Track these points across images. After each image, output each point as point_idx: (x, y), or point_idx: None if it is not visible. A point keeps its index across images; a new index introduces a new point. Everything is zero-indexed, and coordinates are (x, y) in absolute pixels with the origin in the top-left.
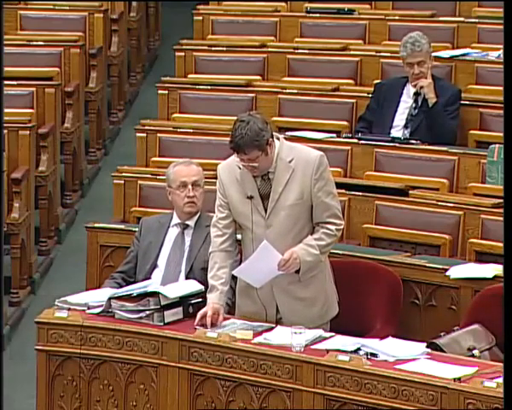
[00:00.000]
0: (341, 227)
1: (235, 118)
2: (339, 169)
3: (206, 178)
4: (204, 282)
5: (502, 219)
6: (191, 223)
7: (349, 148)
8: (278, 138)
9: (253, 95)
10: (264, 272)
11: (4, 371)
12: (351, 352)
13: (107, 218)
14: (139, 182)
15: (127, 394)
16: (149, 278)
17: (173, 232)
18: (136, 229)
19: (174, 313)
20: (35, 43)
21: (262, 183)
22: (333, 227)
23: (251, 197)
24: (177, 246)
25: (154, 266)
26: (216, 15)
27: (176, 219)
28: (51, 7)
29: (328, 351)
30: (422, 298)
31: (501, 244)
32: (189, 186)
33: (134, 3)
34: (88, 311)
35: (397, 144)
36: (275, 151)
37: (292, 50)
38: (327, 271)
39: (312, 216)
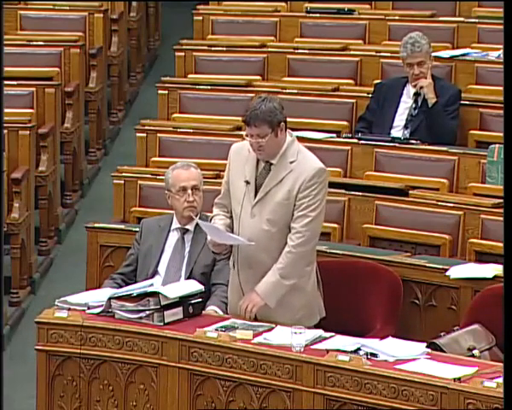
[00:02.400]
0: (302, 249)
1: (235, 118)
2: (339, 169)
3: (205, 178)
4: (204, 286)
5: (502, 219)
6: (191, 227)
7: (349, 148)
8: (291, 136)
9: (252, 95)
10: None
11: (4, 371)
12: (351, 352)
13: (107, 218)
14: (139, 182)
15: (127, 394)
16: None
17: (173, 237)
18: (137, 229)
19: (174, 313)
20: (35, 43)
21: (262, 172)
22: (291, 243)
23: (247, 183)
24: (177, 251)
25: (155, 272)
26: (216, 15)
27: (176, 224)
28: (51, 7)
29: (328, 351)
30: (422, 298)
31: (501, 244)
32: (189, 191)
33: (134, 3)
34: (88, 311)
35: (397, 144)
36: (284, 144)
37: (292, 50)
38: (310, 279)
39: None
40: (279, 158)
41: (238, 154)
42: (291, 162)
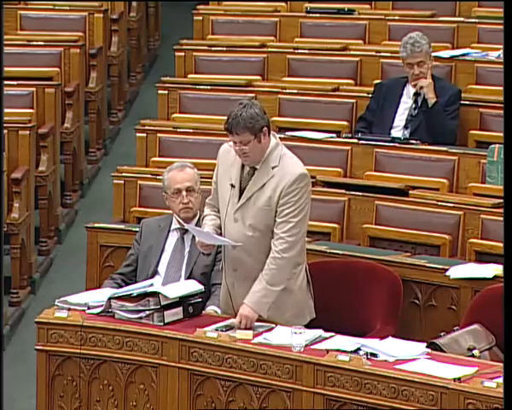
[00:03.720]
0: (286, 255)
1: None
2: (339, 169)
3: (205, 178)
4: (204, 286)
5: (502, 219)
6: None
7: (349, 148)
8: (276, 138)
9: (252, 95)
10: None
11: (4, 371)
12: (351, 352)
13: (107, 218)
14: (139, 182)
15: (127, 394)
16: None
17: (173, 238)
18: (137, 229)
19: (174, 313)
20: (35, 43)
21: (246, 176)
22: (275, 249)
23: (232, 186)
24: (177, 251)
25: (155, 272)
26: (216, 15)
27: (175, 224)
28: (51, 7)
29: (328, 351)
30: (422, 298)
31: (501, 244)
32: (184, 193)
33: (134, 3)
34: (88, 311)
35: (397, 144)
36: (268, 149)
37: (292, 50)
38: (298, 281)
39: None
40: (262, 163)
41: (227, 155)
42: (273, 168)
